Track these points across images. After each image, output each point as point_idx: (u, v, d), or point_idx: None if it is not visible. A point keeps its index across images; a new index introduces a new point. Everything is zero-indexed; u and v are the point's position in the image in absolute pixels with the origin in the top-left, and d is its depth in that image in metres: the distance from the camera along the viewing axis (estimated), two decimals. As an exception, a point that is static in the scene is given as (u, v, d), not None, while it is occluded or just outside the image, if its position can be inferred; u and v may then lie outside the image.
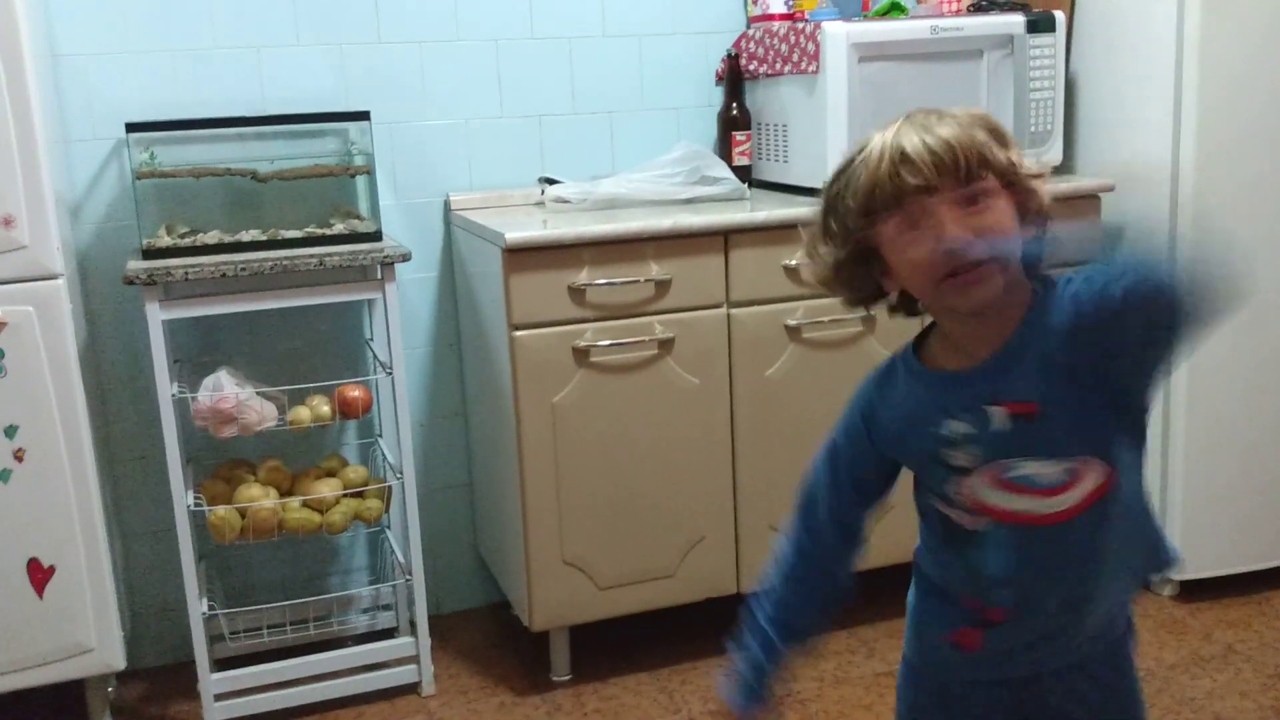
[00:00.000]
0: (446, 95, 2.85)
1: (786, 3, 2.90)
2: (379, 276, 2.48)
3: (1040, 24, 2.76)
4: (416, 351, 2.90)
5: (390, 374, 2.52)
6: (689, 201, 2.74)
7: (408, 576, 2.60)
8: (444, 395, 2.95)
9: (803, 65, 2.69)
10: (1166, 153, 2.71)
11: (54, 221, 2.24)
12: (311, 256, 2.42)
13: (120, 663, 2.43)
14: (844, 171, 1.28)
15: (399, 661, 2.62)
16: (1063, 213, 1.29)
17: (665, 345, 2.52)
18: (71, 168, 2.60)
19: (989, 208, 1.21)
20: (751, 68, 2.91)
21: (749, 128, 2.96)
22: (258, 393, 2.45)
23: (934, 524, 1.37)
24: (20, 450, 2.27)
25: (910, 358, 1.35)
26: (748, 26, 3.00)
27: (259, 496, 2.50)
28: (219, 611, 2.56)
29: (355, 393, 2.52)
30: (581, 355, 2.47)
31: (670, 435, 2.55)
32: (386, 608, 2.87)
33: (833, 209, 1.30)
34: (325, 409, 2.51)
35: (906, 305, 1.35)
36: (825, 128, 2.65)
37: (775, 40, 2.79)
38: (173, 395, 2.38)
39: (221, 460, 2.66)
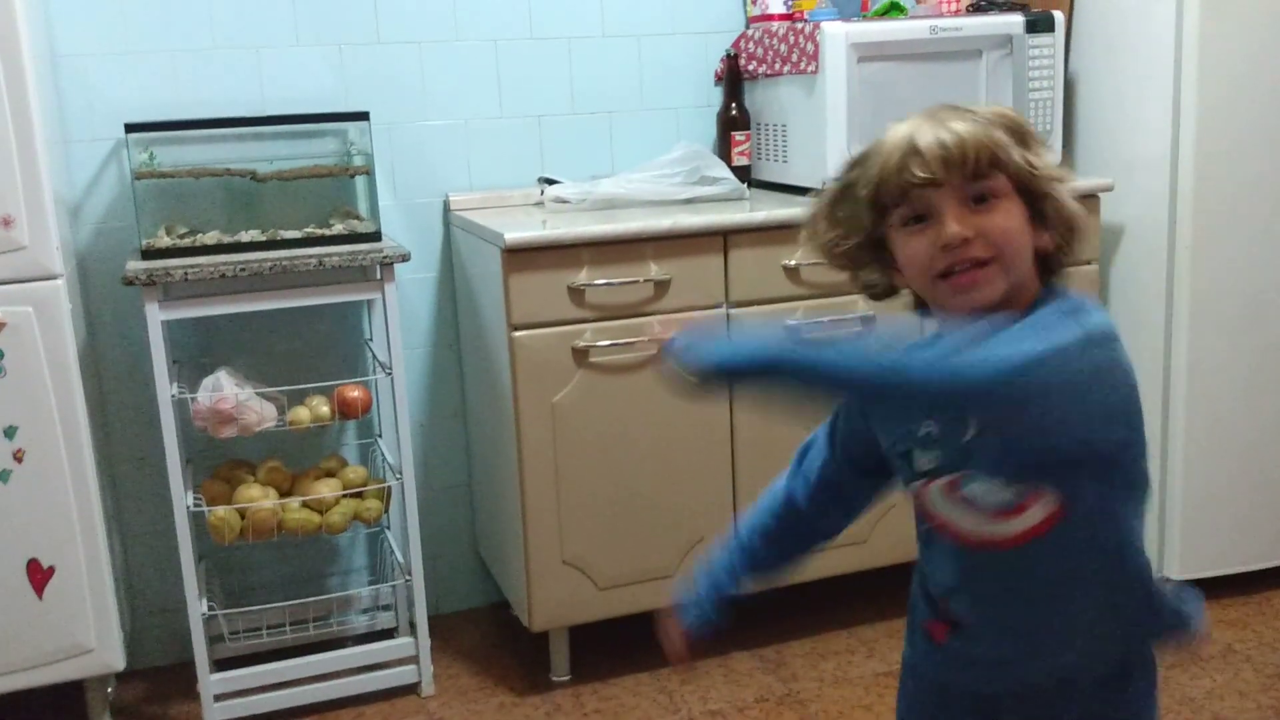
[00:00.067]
0: (446, 95, 2.85)
1: (786, 3, 2.90)
2: (378, 277, 2.48)
3: (1039, 24, 2.76)
4: (416, 352, 2.90)
5: (390, 374, 2.52)
6: (688, 201, 2.74)
7: (407, 577, 2.60)
8: (443, 395, 2.95)
9: (802, 65, 2.69)
10: (1166, 153, 2.71)
11: (53, 222, 2.24)
12: (311, 257, 2.42)
13: (120, 663, 2.43)
14: (859, 162, 1.27)
15: (398, 662, 2.62)
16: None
17: (665, 345, 2.51)
18: (71, 168, 2.60)
19: (996, 208, 1.20)
20: (751, 68, 2.91)
21: (748, 128, 2.96)
22: (257, 393, 2.45)
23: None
24: (20, 451, 2.27)
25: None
26: (747, 27, 3.00)
27: (258, 497, 2.50)
28: (219, 612, 2.56)
29: (355, 393, 2.52)
30: (581, 355, 2.47)
31: (670, 435, 2.55)
32: (386, 608, 2.87)
33: (844, 197, 1.29)
34: (325, 409, 2.51)
35: (921, 302, 1.33)
36: (824, 128, 2.65)
37: (774, 40, 2.79)
38: (172, 396, 2.38)
39: (221, 461, 2.66)
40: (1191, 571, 2.83)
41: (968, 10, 2.88)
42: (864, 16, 2.88)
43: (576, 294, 2.45)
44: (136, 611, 2.76)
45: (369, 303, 2.75)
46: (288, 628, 2.68)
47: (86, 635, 2.36)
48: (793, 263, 2.57)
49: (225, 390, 2.40)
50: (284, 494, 2.55)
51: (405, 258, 2.48)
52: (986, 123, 1.21)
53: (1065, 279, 1.28)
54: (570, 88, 2.94)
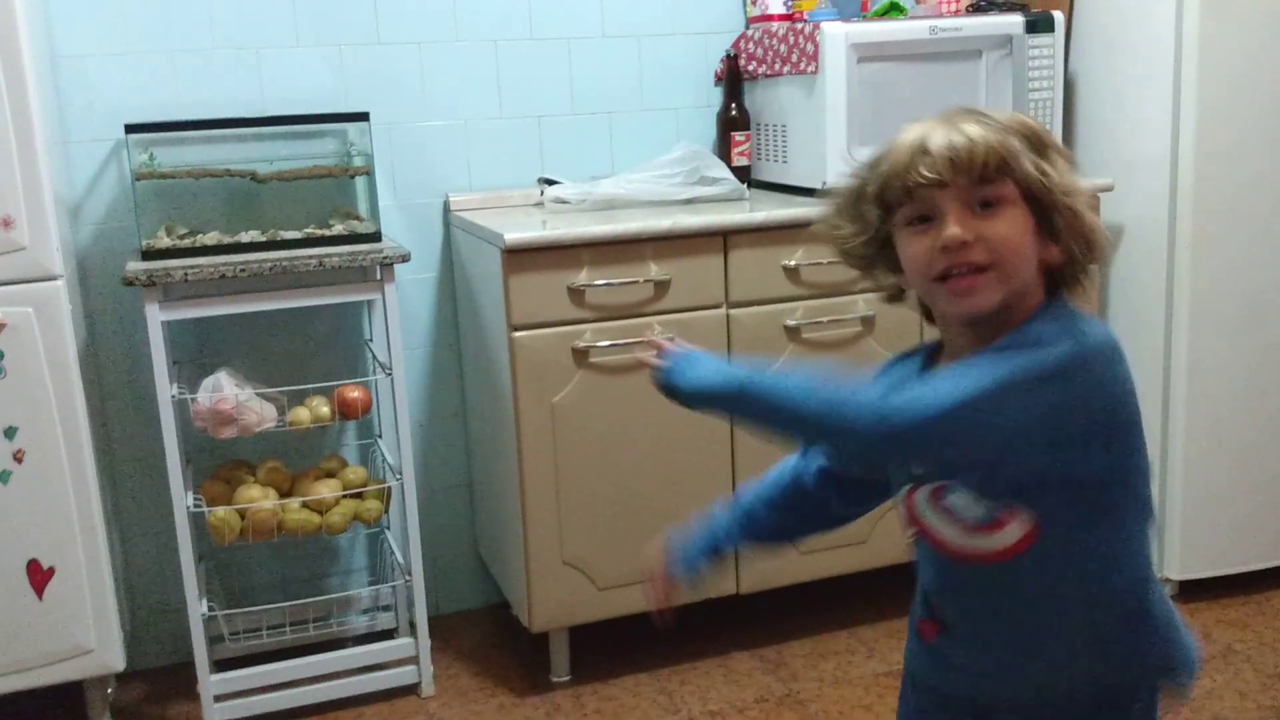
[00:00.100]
0: (446, 96, 2.85)
1: (785, 3, 2.90)
2: (378, 277, 2.48)
3: (1039, 24, 2.77)
4: (416, 352, 2.90)
5: (390, 375, 2.52)
6: (688, 202, 2.74)
7: (407, 577, 2.60)
8: (443, 396, 2.95)
9: (802, 66, 2.69)
10: (1166, 153, 2.71)
11: (53, 223, 2.24)
12: (311, 257, 2.43)
13: (120, 664, 2.43)
14: (876, 159, 1.26)
15: (398, 662, 2.62)
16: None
17: (665, 346, 2.51)
18: (71, 169, 2.60)
19: (1000, 215, 1.18)
20: (750, 68, 2.91)
21: (748, 128, 2.96)
22: (257, 394, 2.45)
23: None
24: (20, 451, 2.27)
25: (923, 355, 1.33)
26: (747, 27, 3.00)
27: (258, 497, 2.50)
28: (219, 612, 2.56)
29: (355, 393, 2.52)
30: (581, 356, 2.47)
31: (670, 435, 2.55)
32: (386, 608, 2.87)
33: (857, 194, 1.28)
34: (325, 410, 2.51)
35: (927, 307, 1.32)
36: (824, 128, 2.65)
37: (774, 41, 2.79)
38: (172, 396, 2.38)
39: (221, 461, 2.66)
40: (1191, 572, 2.83)
41: (967, 10, 2.88)
42: (864, 17, 2.88)
43: (576, 294, 2.45)
44: (136, 612, 2.76)
45: (369, 303, 2.75)
46: (288, 628, 2.68)
47: (86, 636, 2.36)
48: (793, 263, 2.57)
49: (225, 391, 2.40)
50: (284, 494, 2.55)
51: (405, 258, 2.48)
52: (1002, 129, 1.20)
53: (1080, 293, 1.25)
54: (570, 88, 2.94)
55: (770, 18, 2.89)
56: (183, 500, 2.41)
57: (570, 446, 2.49)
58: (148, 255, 2.45)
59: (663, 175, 2.79)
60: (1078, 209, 1.21)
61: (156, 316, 2.34)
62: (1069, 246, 1.22)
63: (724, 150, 2.95)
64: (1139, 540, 1.25)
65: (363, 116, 2.65)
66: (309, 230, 2.58)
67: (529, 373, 2.44)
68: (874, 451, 1.23)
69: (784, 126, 2.83)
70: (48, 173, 2.23)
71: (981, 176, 1.18)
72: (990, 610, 1.28)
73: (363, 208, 2.69)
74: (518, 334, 2.43)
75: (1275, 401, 2.82)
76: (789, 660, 2.68)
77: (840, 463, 1.39)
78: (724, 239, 2.54)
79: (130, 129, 2.51)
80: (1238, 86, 2.67)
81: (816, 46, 2.63)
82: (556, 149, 2.95)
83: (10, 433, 2.26)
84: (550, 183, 2.86)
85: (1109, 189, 2.77)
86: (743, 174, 2.92)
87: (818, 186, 2.70)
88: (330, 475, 2.64)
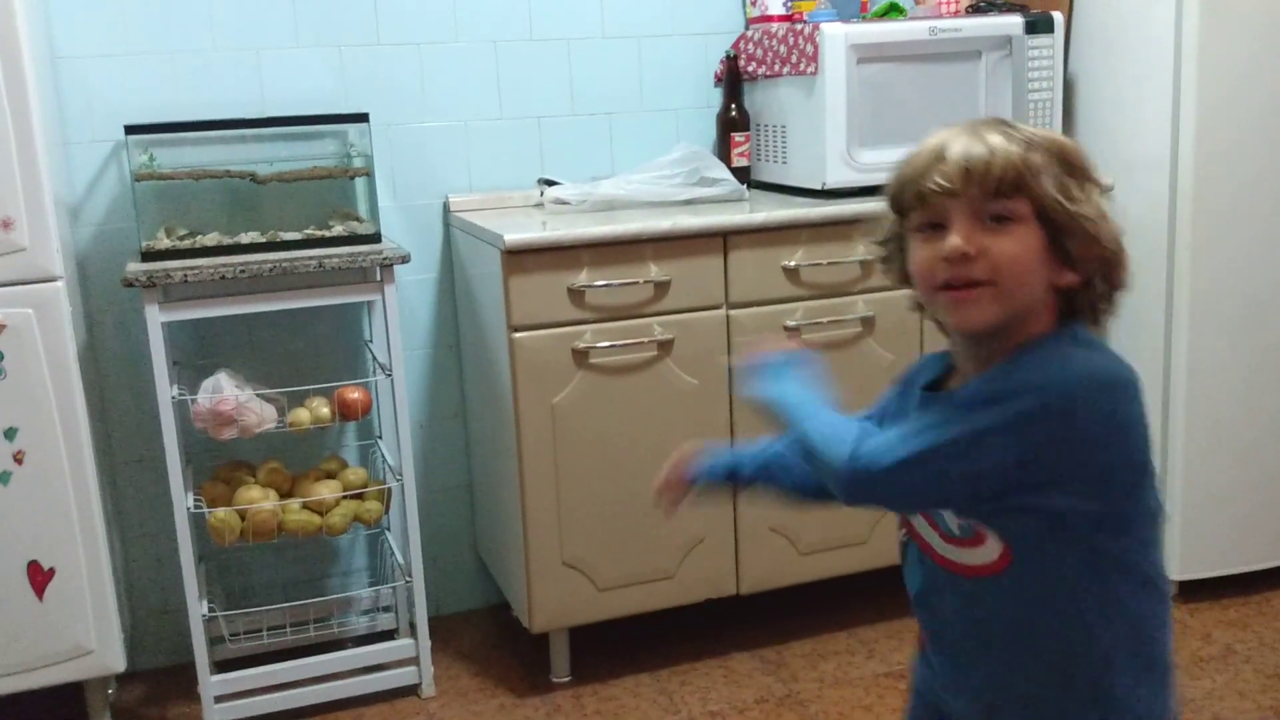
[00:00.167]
0: (445, 97, 2.85)
1: (785, 4, 2.90)
2: (378, 278, 2.48)
3: (1038, 25, 2.77)
4: (416, 353, 2.90)
5: (390, 376, 2.52)
6: (688, 203, 2.74)
7: (407, 578, 2.60)
8: (443, 397, 2.95)
9: (801, 66, 2.69)
10: (1166, 153, 2.71)
11: (53, 224, 2.24)
12: (311, 258, 2.43)
13: (120, 664, 2.43)
14: (901, 160, 1.24)
15: (399, 663, 2.62)
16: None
17: (664, 346, 2.52)
18: (71, 170, 2.60)
19: (1009, 232, 1.15)
20: (750, 69, 2.91)
21: (748, 129, 2.96)
22: (257, 394, 2.45)
23: None
24: (20, 453, 2.27)
25: (939, 364, 1.32)
26: (746, 28, 3.00)
27: (259, 498, 2.50)
28: (219, 613, 2.56)
29: (355, 394, 2.52)
30: (581, 356, 2.47)
31: (670, 436, 2.54)
32: (386, 609, 2.87)
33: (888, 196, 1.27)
34: (325, 411, 2.51)
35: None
36: (824, 129, 2.65)
37: (774, 41, 2.79)
38: (172, 397, 2.38)
39: (221, 462, 2.66)
40: (1191, 572, 2.83)
41: (967, 11, 2.88)
42: (863, 18, 2.88)
43: (576, 295, 2.45)
44: (137, 613, 2.76)
45: (369, 304, 2.75)
46: (288, 629, 2.68)
47: (87, 637, 2.36)
48: (792, 264, 2.57)
49: (225, 392, 2.40)
50: (284, 495, 2.55)
51: (405, 259, 2.48)
52: (1027, 144, 1.16)
53: (1100, 322, 1.22)
54: (570, 89, 2.94)
55: (770, 18, 2.89)
56: (183, 501, 2.41)
57: (570, 447, 2.49)
58: (148, 256, 2.45)
59: (662, 176, 2.79)
60: (1097, 235, 1.17)
61: (156, 317, 2.34)
62: (1088, 273, 1.18)
63: (724, 151, 2.95)
64: (1134, 597, 1.19)
65: (362, 117, 2.65)
66: (309, 231, 2.58)
67: (529, 373, 2.44)
68: (845, 495, 1.21)
69: (784, 127, 2.83)
70: (47, 174, 2.24)
71: (996, 191, 1.15)
72: (963, 624, 1.26)
73: (362, 209, 2.69)
74: (518, 335, 2.43)
75: (1275, 401, 2.82)
76: (789, 661, 2.68)
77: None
78: (724, 240, 2.54)
79: (130, 130, 2.51)
80: (1238, 87, 2.67)
81: (816, 47, 2.63)
82: (556, 150, 2.95)
83: (10, 434, 2.26)
84: (550, 183, 2.86)
85: (1109, 189, 2.77)
86: (742, 175, 2.92)
87: (817, 187, 2.70)
88: (330, 476, 2.64)
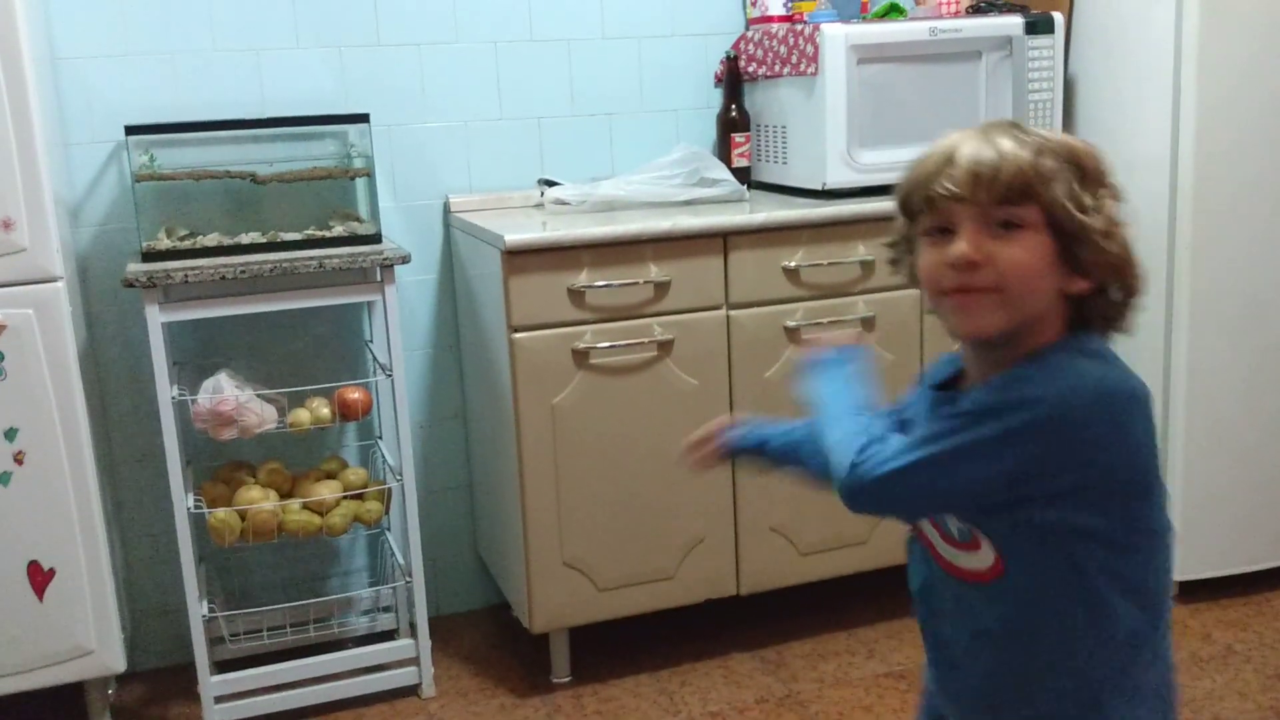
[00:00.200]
0: (446, 97, 2.85)
1: (785, 4, 2.90)
2: (378, 279, 2.48)
3: (1039, 26, 2.77)
4: (416, 353, 2.90)
5: (390, 376, 2.52)
6: (688, 203, 2.74)
7: (408, 578, 2.60)
8: (444, 397, 2.95)
9: (801, 67, 2.69)
10: (1166, 153, 2.71)
11: (54, 224, 2.24)
12: (311, 259, 2.43)
13: (120, 665, 2.43)
14: (912, 162, 1.23)
15: (399, 663, 2.63)
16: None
17: (664, 347, 2.52)
18: (71, 170, 2.60)
19: (1017, 239, 1.13)
20: (750, 69, 2.92)
21: (748, 129, 2.96)
22: (257, 395, 2.45)
23: None
24: (20, 453, 2.27)
25: (949, 362, 1.31)
26: (746, 28, 3.00)
27: (259, 499, 2.50)
28: (219, 614, 2.56)
29: (355, 395, 2.52)
30: (581, 357, 2.47)
31: (670, 436, 2.54)
32: (387, 610, 2.87)
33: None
34: (325, 411, 2.51)
35: None
36: (824, 129, 2.65)
37: (774, 42, 2.79)
38: (172, 398, 2.38)
39: (221, 462, 2.66)
40: (1191, 572, 2.83)
41: (967, 12, 2.88)
42: (863, 18, 2.88)
43: (576, 295, 2.45)
44: (137, 613, 2.76)
45: (369, 304, 2.75)
46: (288, 629, 2.68)
47: (87, 637, 2.37)
48: (792, 264, 2.57)
49: (226, 392, 2.40)
50: (284, 496, 2.55)
51: (405, 259, 2.48)
52: (1040, 149, 1.14)
53: (1112, 330, 1.20)
54: (570, 89, 2.95)
55: (770, 19, 2.89)
56: (183, 501, 2.41)
57: (570, 448, 2.49)
58: (148, 257, 2.45)
59: (663, 176, 2.79)
60: (1108, 243, 1.15)
61: (157, 318, 2.34)
62: (1100, 281, 1.17)
63: (724, 151, 2.95)
64: (1131, 617, 1.17)
65: (363, 118, 2.65)
66: (309, 232, 2.58)
67: (529, 374, 2.44)
68: (845, 502, 1.21)
69: (784, 128, 2.83)
70: (48, 174, 2.24)
71: (1004, 197, 1.13)
72: (956, 627, 1.26)
73: (363, 209, 2.69)
74: (518, 335, 2.43)
75: (1275, 401, 2.82)
76: (789, 661, 2.68)
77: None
78: (724, 240, 2.54)
79: (130, 130, 2.52)
80: (1237, 87, 2.67)
81: (816, 48, 2.63)
82: (556, 150, 2.95)
83: (11, 434, 2.26)
84: (550, 184, 2.86)
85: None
86: (743, 175, 2.92)
87: (817, 188, 2.70)
88: (330, 476, 2.64)
